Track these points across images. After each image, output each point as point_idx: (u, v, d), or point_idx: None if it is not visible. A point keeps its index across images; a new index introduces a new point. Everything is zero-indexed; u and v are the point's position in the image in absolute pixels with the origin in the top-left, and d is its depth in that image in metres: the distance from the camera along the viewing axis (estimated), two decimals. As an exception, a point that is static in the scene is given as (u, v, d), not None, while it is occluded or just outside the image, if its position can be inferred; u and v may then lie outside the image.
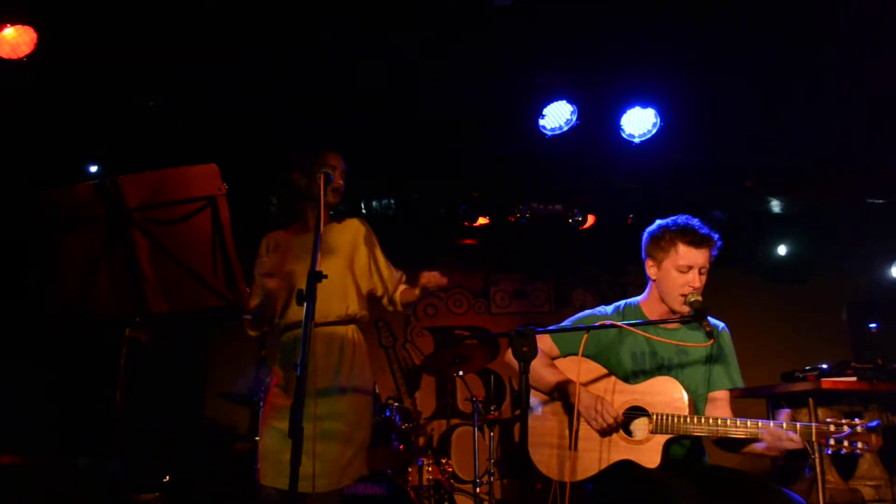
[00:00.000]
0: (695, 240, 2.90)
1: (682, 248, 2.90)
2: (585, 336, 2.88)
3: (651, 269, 3.02)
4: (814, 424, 2.63)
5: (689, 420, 2.76)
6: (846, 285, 7.33)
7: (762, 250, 7.20)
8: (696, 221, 2.95)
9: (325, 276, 2.57)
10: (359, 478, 3.20)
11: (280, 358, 3.22)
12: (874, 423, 2.57)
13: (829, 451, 2.60)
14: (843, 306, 7.31)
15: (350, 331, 3.25)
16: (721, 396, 2.99)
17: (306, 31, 4.27)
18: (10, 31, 4.05)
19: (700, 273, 2.91)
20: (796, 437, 2.60)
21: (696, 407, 2.92)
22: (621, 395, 2.91)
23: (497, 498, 6.19)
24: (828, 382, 4.67)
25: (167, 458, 5.69)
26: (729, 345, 3.04)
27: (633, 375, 2.96)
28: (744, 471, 2.77)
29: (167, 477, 5.25)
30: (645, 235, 3.06)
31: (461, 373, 5.51)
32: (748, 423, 2.68)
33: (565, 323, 3.09)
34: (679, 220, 2.96)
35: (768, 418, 4.14)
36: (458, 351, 5.40)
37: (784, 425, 2.62)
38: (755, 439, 2.70)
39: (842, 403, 4.84)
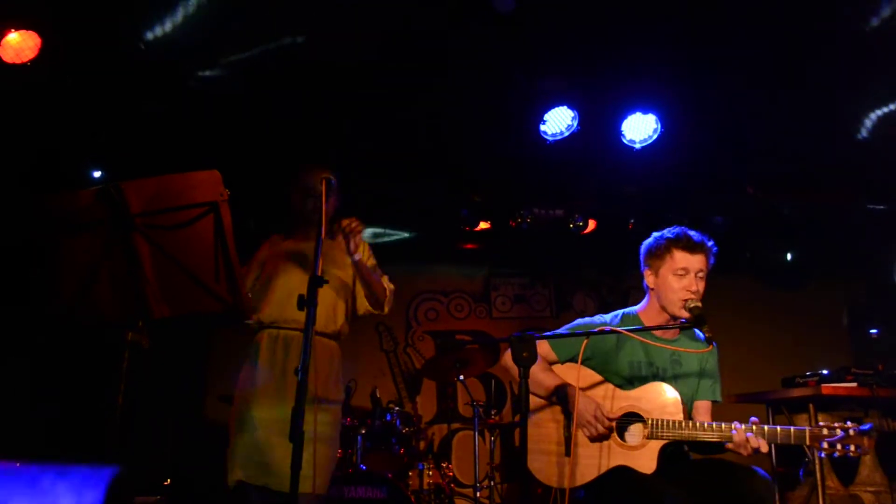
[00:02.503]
0: (689, 245, 3.01)
1: (678, 254, 3.01)
2: (585, 342, 2.92)
3: (649, 279, 3.11)
4: (807, 428, 2.71)
5: (683, 425, 2.80)
6: (847, 291, 7.34)
7: (763, 256, 7.21)
8: (691, 230, 3.07)
9: (327, 282, 2.61)
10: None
11: (263, 354, 3.24)
12: (866, 427, 2.63)
13: (823, 455, 2.70)
14: (843, 312, 7.32)
15: (333, 342, 3.34)
16: (704, 406, 3.08)
17: (308, 39, 4.29)
18: (14, 36, 4.07)
19: (698, 277, 2.99)
20: (763, 441, 2.70)
21: (687, 415, 2.97)
22: (617, 401, 2.94)
23: (497, 502, 6.19)
24: (828, 388, 4.67)
25: (168, 461, 5.70)
26: (716, 362, 3.13)
27: (629, 383, 3.00)
28: (726, 460, 2.85)
29: (168, 480, 5.26)
30: (642, 248, 3.17)
31: (462, 377, 5.51)
32: (723, 425, 2.78)
33: (563, 329, 3.12)
34: (673, 229, 3.09)
35: (767, 422, 4.15)
36: (458, 355, 5.41)
37: (754, 429, 2.72)
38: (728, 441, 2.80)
39: (842, 409, 4.84)
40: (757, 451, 2.70)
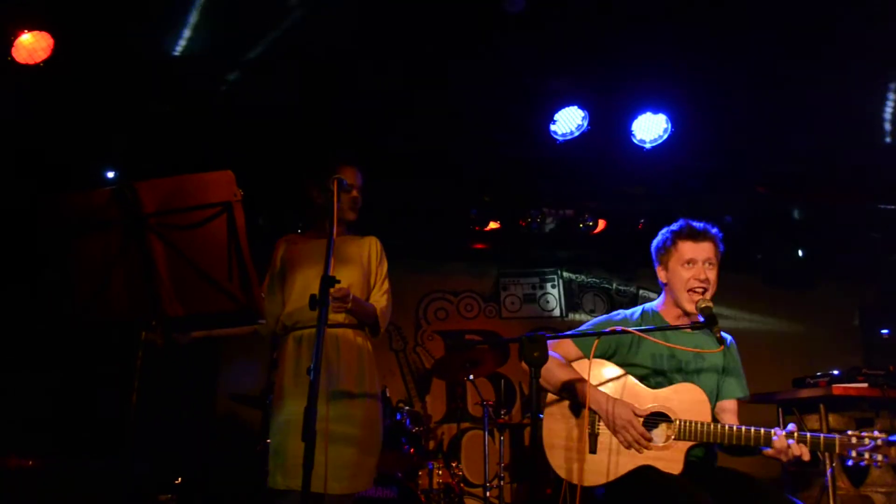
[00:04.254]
0: (691, 233, 3.06)
1: (682, 244, 3.05)
2: (596, 342, 2.92)
3: (661, 274, 3.14)
4: (837, 437, 2.67)
5: (711, 427, 2.79)
6: (858, 291, 7.31)
7: (774, 256, 7.18)
8: (693, 220, 3.11)
9: (339, 281, 2.61)
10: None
11: (287, 358, 3.23)
12: (895, 437, 2.59)
13: (851, 463, 2.65)
14: (854, 312, 7.29)
15: (359, 335, 3.27)
16: (730, 406, 3.07)
17: (320, 37, 4.30)
18: (27, 37, 4.09)
19: (707, 266, 3.02)
20: (805, 448, 2.66)
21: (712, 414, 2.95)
22: (644, 400, 2.93)
23: (507, 502, 6.20)
24: (839, 389, 4.66)
25: (179, 460, 5.72)
26: (738, 358, 3.14)
27: (654, 375, 2.99)
28: (753, 476, 2.81)
29: (179, 478, 5.28)
30: (652, 246, 3.21)
31: (471, 377, 5.52)
32: (762, 431, 2.73)
33: (584, 327, 3.14)
34: (677, 222, 3.13)
35: (778, 423, 4.13)
36: (468, 355, 5.42)
37: (795, 436, 2.68)
38: (766, 446, 2.74)
39: (853, 410, 4.82)
40: (798, 458, 2.66)
